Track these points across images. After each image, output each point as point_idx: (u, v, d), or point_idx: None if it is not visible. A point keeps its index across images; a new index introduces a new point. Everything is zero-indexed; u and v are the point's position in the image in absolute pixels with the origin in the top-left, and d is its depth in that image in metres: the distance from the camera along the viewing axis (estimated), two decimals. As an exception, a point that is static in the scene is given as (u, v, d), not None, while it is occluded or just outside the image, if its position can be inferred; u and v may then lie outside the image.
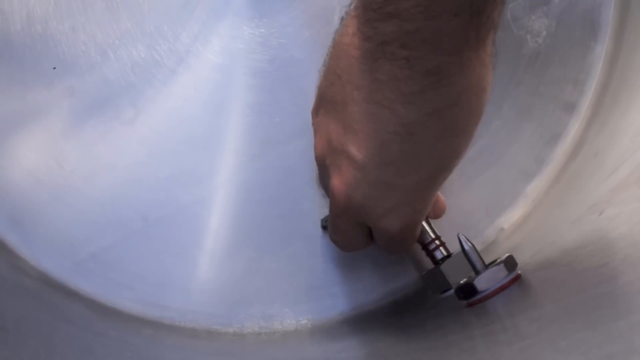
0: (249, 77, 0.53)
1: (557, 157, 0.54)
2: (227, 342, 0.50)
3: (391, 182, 0.39)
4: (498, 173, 0.53)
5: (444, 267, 0.45)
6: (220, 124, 0.53)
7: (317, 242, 0.52)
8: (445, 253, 0.46)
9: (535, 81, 0.54)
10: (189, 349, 0.50)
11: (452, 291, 0.45)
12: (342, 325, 0.51)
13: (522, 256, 0.45)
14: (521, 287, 0.43)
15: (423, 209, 0.42)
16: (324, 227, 0.51)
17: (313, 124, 0.45)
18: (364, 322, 0.51)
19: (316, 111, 0.44)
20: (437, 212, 0.50)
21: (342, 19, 0.40)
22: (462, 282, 0.44)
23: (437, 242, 0.46)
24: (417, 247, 0.47)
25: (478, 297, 0.43)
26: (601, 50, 0.54)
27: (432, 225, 0.47)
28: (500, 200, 0.54)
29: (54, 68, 0.52)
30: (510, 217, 0.53)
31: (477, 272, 0.44)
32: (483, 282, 0.43)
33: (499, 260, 0.44)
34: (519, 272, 0.44)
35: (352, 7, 0.38)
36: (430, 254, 0.47)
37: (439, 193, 0.48)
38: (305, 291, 0.51)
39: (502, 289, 0.43)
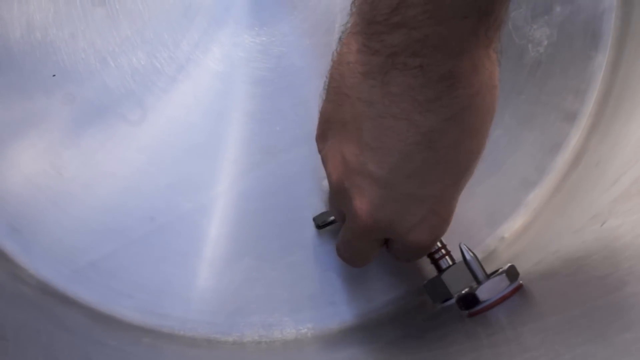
0: (249, 85, 0.53)
1: (559, 166, 0.54)
2: (227, 351, 0.50)
3: (416, 193, 0.39)
4: (499, 182, 0.53)
5: (445, 276, 0.45)
6: (220, 132, 0.52)
7: (317, 251, 0.52)
8: (450, 262, 0.46)
9: (537, 90, 0.54)
10: (188, 357, 0.49)
11: (453, 300, 0.45)
12: (342, 334, 0.51)
13: (523, 266, 0.45)
14: (523, 297, 0.42)
15: (449, 217, 0.42)
16: (318, 226, 0.51)
17: (321, 151, 0.44)
18: (364, 331, 0.51)
19: (323, 137, 0.43)
20: None
21: (339, 38, 0.39)
22: (463, 292, 0.44)
23: (443, 250, 0.46)
24: None
25: (480, 307, 0.43)
26: (602, 59, 0.54)
27: None
28: (501, 209, 0.53)
29: (54, 75, 0.52)
30: (511, 226, 0.53)
31: (479, 282, 0.44)
32: (485, 292, 0.43)
33: (500, 270, 0.44)
34: (521, 282, 0.43)
35: (350, 24, 0.38)
36: (436, 262, 0.46)
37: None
38: (306, 300, 0.51)
39: (504, 299, 0.43)
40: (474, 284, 0.44)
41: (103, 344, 0.48)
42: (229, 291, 0.51)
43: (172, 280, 0.51)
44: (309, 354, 0.50)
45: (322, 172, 0.45)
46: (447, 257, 0.46)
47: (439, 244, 0.46)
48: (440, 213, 0.41)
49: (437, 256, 0.46)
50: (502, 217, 0.53)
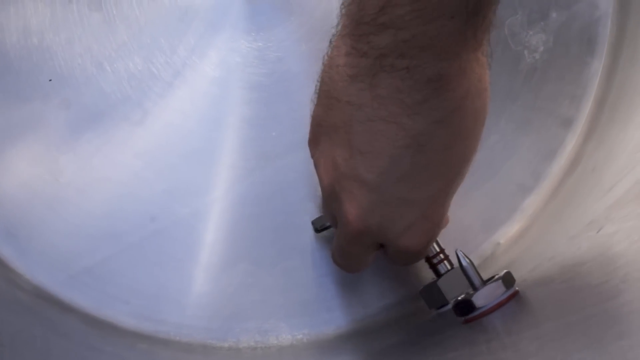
0: (246, 90, 0.53)
1: (554, 172, 0.54)
2: (223, 357, 0.50)
3: (407, 197, 0.39)
4: (495, 187, 0.53)
5: (441, 282, 0.45)
6: (216, 137, 0.52)
7: (313, 256, 0.52)
8: (448, 267, 0.46)
9: (533, 96, 0.54)
10: (184, 363, 0.49)
11: (449, 306, 0.45)
12: (338, 339, 0.51)
13: (519, 272, 0.45)
14: (520, 304, 0.42)
15: (440, 221, 0.42)
16: (317, 230, 0.51)
17: (313, 156, 0.44)
18: (360, 336, 0.51)
19: (315, 141, 0.43)
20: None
21: (330, 41, 0.39)
22: (460, 298, 0.44)
23: (441, 255, 0.46)
24: None
25: (476, 313, 0.43)
26: (598, 65, 0.54)
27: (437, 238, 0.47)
28: (497, 215, 0.53)
29: (50, 80, 0.52)
30: (507, 232, 0.53)
31: (475, 289, 0.44)
32: (481, 299, 0.43)
33: (497, 276, 0.44)
34: (517, 288, 0.43)
35: (339, 26, 0.38)
36: (434, 267, 0.46)
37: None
38: (301, 305, 0.51)
39: (500, 305, 0.43)
40: (470, 290, 0.44)
41: (99, 350, 0.48)
42: (224, 297, 0.51)
43: (168, 285, 0.51)
44: (305, 360, 0.50)
45: (318, 178, 0.45)
46: (445, 261, 0.46)
47: (437, 248, 0.46)
48: (431, 217, 0.40)
49: (435, 261, 0.46)
50: (498, 223, 0.53)
